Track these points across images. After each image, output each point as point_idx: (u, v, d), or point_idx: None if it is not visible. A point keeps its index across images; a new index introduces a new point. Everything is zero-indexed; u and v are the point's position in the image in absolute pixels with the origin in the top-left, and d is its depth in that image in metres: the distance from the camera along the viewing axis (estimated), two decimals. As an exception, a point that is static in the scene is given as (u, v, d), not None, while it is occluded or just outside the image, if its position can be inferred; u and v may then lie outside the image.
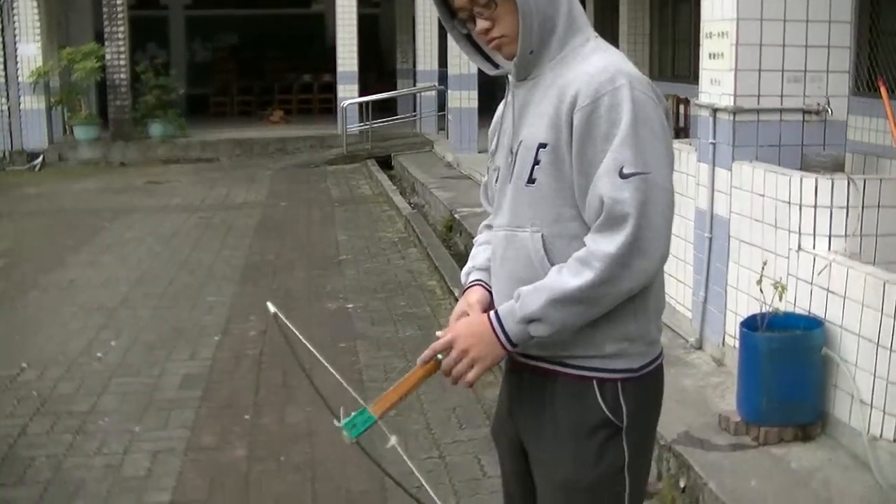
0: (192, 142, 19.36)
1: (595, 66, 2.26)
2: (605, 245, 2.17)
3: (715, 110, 5.43)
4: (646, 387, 2.38)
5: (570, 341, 2.30)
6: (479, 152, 16.03)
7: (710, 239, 5.62)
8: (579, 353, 2.31)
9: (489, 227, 2.60)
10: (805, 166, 5.24)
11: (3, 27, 18.18)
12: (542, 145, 2.28)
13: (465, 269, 2.65)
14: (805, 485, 4.16)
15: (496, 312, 2.30)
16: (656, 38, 15.18)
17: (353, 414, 2.38)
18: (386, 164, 17.60)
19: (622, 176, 2.16)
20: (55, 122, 19.20)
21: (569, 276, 2.20)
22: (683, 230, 5.91)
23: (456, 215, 11.18)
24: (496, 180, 2.48)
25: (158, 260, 10.21)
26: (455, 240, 10.99)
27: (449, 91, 16.93)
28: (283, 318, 2.46)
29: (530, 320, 2.23)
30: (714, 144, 5.48)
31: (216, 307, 8.22)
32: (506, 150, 2.43)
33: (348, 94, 19.53)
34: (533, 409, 2.41)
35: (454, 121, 16.60)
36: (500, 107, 2.55)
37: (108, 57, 18.56)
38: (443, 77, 18.66)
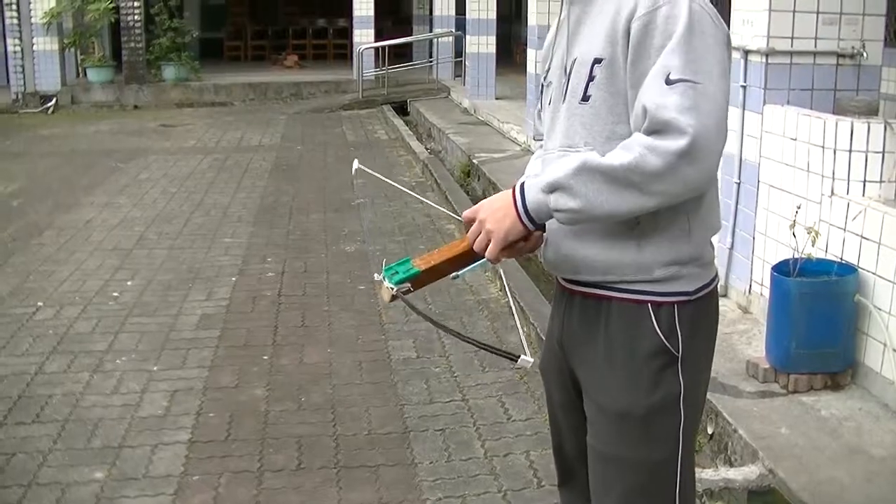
0: (206, 85, 19.20)
1: None
2: (656, 140, 2.05)
3: (746, 52, 5.31)
4: (701, 311, 2.30)
5: (618, 265, 2.23)
6: (497, 98, 15.89)
7: (739, 184, 5.52)
8: (630, 277, 2.24)
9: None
10: (838, 111, 5.11)
11: (15, -34, 17.99)
12: (598, 60, 2.21)
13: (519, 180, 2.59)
14: (836, 433, 4.10)
15: (522, 183, 2.22)
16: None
17: (394, 263, 2.31)
18: (402, 109, 17.47)
19: (668, 82, 2.06)
20: (68, 64, 19.02)
21: (606, 156, 2.10)
22: (710, 175, 5.80)
23: (474, 160, 11.07)
24: (549, 101, 2.41)
25: (174, 201, 10.14)
26: (473, 185, 10.89)
27: (467, 36, 16.74)
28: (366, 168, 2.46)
29: (554, 188, 2.13)
30: (745, 87, 5.36)
31: (232, 248, 8.16)
32: (559, 68, 2.37)
33: (364, 40, 19.40)
34: (585, 337, 2.34)
35: (471, 66, 16.41)
36: (554, 25, 2.48)
37: (121, -2, 18.38)
38: (459, 24, 18.47)
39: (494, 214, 2.22)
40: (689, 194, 2.12)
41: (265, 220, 9.24)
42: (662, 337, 2.23)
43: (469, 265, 2.34)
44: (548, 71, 2.45)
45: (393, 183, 2.65)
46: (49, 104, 18.00)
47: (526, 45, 13.26)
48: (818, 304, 4.39)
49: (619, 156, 2.07)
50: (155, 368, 5.49)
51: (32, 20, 18.10)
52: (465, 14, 17.07)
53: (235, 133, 15.21)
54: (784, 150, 5.06)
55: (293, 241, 8.38)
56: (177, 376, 5.38)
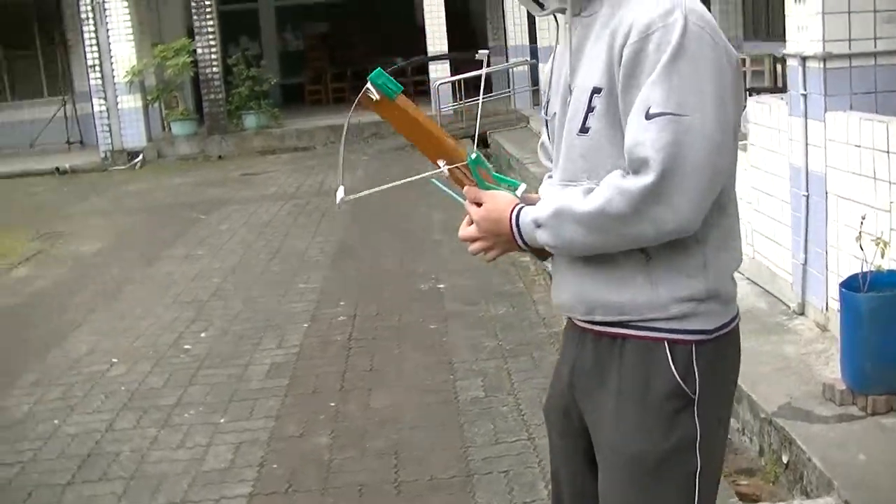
0: (288, 131, 19.39)
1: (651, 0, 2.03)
2: (625, 180, 1.97)
3: (804, 59, 5.11)
4: (721, 351, 2.16)
5: (632, 304, 2.11)
6: (574, 125, 15.70)
7: (807, 197, 5.30)
8: (645, 314, 2.11)
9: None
10: (905, 113, 4.88)
11: (96, 28, 18.43)
12: (597, 90, 2.08)
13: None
14: (918, 456, 3.86)
15: (518, 213, 2.17)
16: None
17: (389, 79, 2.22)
18: (482, 142, 17.40)
19: (647, 116, 1.94)
20: (153, 119, 19.40)
21: (582, 198, 2.04)
22: (778, 189, 5.59)
23: (549, 189, 10.92)
24: (554, 133, 2.28)
25: (252, 249, 10.18)
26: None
27: (540, 64, 16.62)
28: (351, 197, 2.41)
29: (539, 225, 2.11)
30: (805, 95, 5.16)
31: (307, 293, 8.13)
32: (562, 95, 2.24)
33: (440, 74, 19.41)
34: (598, 378, 2.20)
35: (547, 94, 16.28)
36: (555, 49, 2.34)
37: (198, 51, 18.66)
38: (534, 52, 18.38)
39: (498, 235, 2.22)
40: (671, 235, 2.01)
41: (341, 263, 9.21)
42: (678, 377, 2.09)
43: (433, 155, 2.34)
44: (548, 102, 2.32)
45: (381, 188, 2.54)
46: (136, 160, 18.36)
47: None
48: (891, 319, 4.15)
49: (591, 200, 2.02)
50: (222, 420, 5.46)
51: (115, 80, 18.53)
52: (537, 42, 16.97)
53: (316, 177, 15.28)
54: (849, 158, 4.84)
55: (367, 283, 8.32)
56: (243, 428, 5.34)
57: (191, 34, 19.27)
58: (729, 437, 4.58)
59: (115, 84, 18.53)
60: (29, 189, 16.57)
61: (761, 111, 5.88)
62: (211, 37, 18.79)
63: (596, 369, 2.21)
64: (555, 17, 2.26)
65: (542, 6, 2.23)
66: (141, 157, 18.43)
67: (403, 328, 6.93)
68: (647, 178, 1.93)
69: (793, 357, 4.94)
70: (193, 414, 5.60)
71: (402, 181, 2.50)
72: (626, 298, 2.11)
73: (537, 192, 2.53)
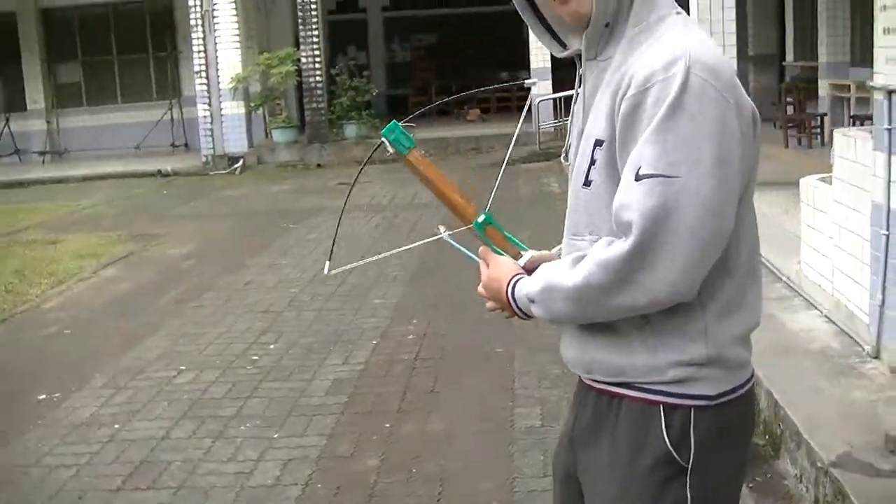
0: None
1: (660, 48, 1.92)
2: (606, 251, 1.87)
3: (890, 92, 4.88)
4: (724, 419, 2.02)
5: (629, 367, 2.01)
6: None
7: (888, 236, 5.06)
8: (643, 377, 2.00)
9: None
10: None
11: (204, 35, 18.78)
12: (599, 143, 1.98)
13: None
14: (981, 520, 3.62)
15: (514, 286, 2.11)
16: (858, 21, 14.15)
17: (401, 130, 2.24)
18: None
19: (636, 177, 1.83)
20: (255, 126, 19.73)
21: (568, 271, 1.95)
22: (859, 226, 5.35)
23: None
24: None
25: (334, 261, 10.10)
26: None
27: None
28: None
29: (531, 300, 2.03)
30: (890, 130, 4.92)
31: (380, 309, 8.09)
32: (575, 141, 2.14)
33: (542, 91, 19.27)
34: (593, 436, 2.11)
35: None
36: (576, 93, 2.23)
37: (303, 60, 18.90)
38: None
39: (501, 301, 2.15)
40: (664, 302, 1.90)
41: (420, 279, 9.14)
42: (669, 444, 1.97)
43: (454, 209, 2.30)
44: (569, 147, 2.21)
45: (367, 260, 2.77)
46: (236, 165, 18.64)
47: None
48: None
49: (576, 273, 1.93)
50: (276, 435, 5.44)
51: (220, 86, 18.87)
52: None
53: (410, 190, 15.25)
54: (931, 199, 4.61)
55: (442, 303, 8.23)
56: (295, 444, 5.30)
57: (297, 43, 19.52)
58: (785, 483, 4.43)
59: (219, 90, 18.88)
60: (131, 190, 16.97)
61: (846, 145, 5.64)
62: (315, 46, 18.99)
63: (592, 427, 2.12)
64: (577, 59, 2.15)
65: (565, 46, 2.14)
66: (241, 162, 18.72)
67: (471, 350, 6.83)
68: (626, 245, 1.84)
69: (860, 403, 4.71)
70: (249, 427, 5.59)
71: (399, 249, 2.64)
72: (623, 360, 2.02)
73: None
